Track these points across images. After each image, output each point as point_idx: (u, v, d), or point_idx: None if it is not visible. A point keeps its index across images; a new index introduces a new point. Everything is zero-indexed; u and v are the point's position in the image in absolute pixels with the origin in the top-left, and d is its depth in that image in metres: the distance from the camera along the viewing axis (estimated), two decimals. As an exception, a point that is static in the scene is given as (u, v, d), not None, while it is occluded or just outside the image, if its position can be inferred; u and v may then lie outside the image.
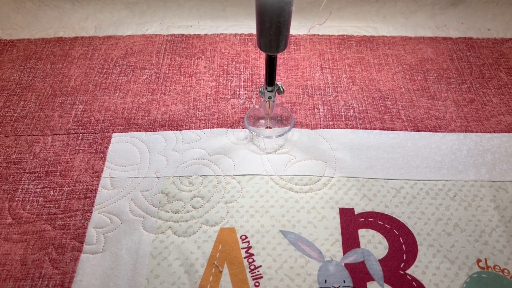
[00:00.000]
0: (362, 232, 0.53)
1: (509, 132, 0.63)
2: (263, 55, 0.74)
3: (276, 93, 0.58)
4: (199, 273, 0.49)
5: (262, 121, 0.64)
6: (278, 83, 0.57)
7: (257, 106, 0.66)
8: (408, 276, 0.49)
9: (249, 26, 0.80)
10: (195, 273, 0.49)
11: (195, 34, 0.78)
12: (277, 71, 0.71)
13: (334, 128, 0.63)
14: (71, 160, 0.59)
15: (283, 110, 0.65)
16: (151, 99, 0.67)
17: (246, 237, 0.52)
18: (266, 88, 0.57)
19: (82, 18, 0.81)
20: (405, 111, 0.66)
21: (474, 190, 0.57)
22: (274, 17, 0.43)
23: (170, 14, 0.81)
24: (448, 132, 0.63)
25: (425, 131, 0.63)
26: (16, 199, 0.55)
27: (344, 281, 0.48)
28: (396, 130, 0.63)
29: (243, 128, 0.63)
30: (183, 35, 0.78)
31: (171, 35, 0.78)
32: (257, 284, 0.48)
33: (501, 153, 0.60)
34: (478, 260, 0.50)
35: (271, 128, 0.63)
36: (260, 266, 0.50)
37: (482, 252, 0.51)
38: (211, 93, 0.68)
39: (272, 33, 0.45)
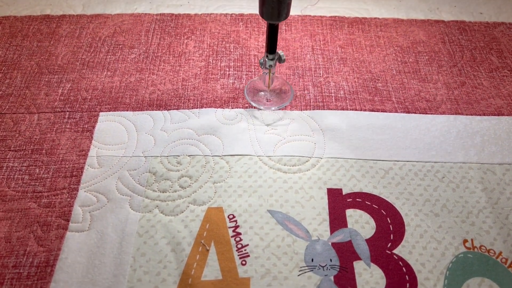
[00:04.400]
0: (349, 212, 0.53)
1: (498, 115, 0.63)
2: (254, 35, 0.73)
3: (277, 62, 0.58)
4: (186, 251, 0.49)
5: (262, 93, 0.64)
6: (279, 51, 0.57)
7: (256, 78, 0.66)
8: (394, 256, 0.49)
9: (240, 6, 0.78)
10: (181, 251, 0.49)
11: (185, 14, 0.77)
12: (267, 51, 0.71)
13: (324, 109, 0.63)
14: (57, 139, 0.58)
15: (283, 83, 0.65)
16: (139, 78, 0.66)
17: (234, 217, 0.52)
18: (267, 56, 0.56)
19: (70, -4, 0.79)
20: (395, 93, 0.65)
21: (462, 171, 0.57)
22: None
23: (160, -7, 0.80)
24: (438, 114, 0.63)
25: (415, 113, 0.63)
26: (1, 176, 0.55)
27: (330, 260, 0.48)
28: (386, 112, 0.63)
29: (232, 108, 0.62)
30: (172, 14, 0.76)
31: (160, 14, 0.76)
32: (244, 262, 0.48)
33: (490, 135, 0.60)
34: (465, 241, 0.51)
35: (270, 100, 0.63)
36: (247, 245, 0.50)
37: (469, 232, 0.51)
38: (200, 73, 0.67)
39: (276, 1, 0.46)
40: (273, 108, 0.62)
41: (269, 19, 0.49)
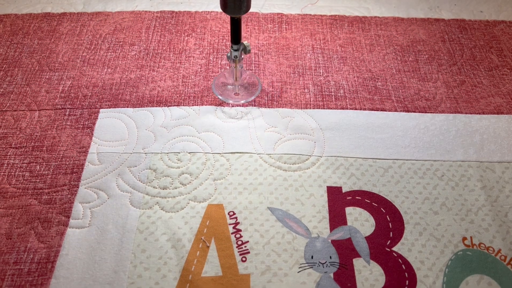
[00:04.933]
0: (349, 210, 0.53)
1: (498, 113, 0.63)
2: (254, 34, 0.73)
3: (243, 53, 0.58)
4: (186, 248, 0.49)
5: (230, 87, 0.64)
6: (244, 42, 0.57)
7: (223, 72, 0.66)
8: (394, 253, 0.49)
9: (241, 5, 0.78)
10: (182, 248, 0.49)
11: (185, 11, 0.77)
12: (268, 50, 0.71)
13: (324, 108, 0.63)
14: (58, 136, 0.59)
15: (251, 76, 0.65)
16: (139, 75, 0.66)
17: (234, 214, 0.52)
18: (231, 47, 0.57)
19: (70, -7, 0.79)
20: (395, 92, 0.66)
21: (461, 170, 0.57)
22: None
23: (160, -9, 0.80)
24: (437, 113, 0.63)
25: (414, 111, 0.63)
26: (2, 173, 0.55)
27: (330, 257, 0.49)
28: (385, 111, 0.63)
29: (233, 106, 0.63)
30: (173, 11, 0.77)
31: (161, 11, 0.77)
32: (244, 259, 0.48)
33: (489, 134, 0.60)
34: (464, 238, 0.51)
35: (238, 94, 0.63)
36: (248, 241, 0.50)
37: (468, 230, 0.51)
38: (201, 71, 0.67)
39: None
40: (242, 102, 0.62)
41: (232, 13, 0.51)
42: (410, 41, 0.73)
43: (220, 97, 0.62)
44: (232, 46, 0.57)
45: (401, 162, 0.57)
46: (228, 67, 0.66)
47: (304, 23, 0.76)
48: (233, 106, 0.62)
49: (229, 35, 0.73)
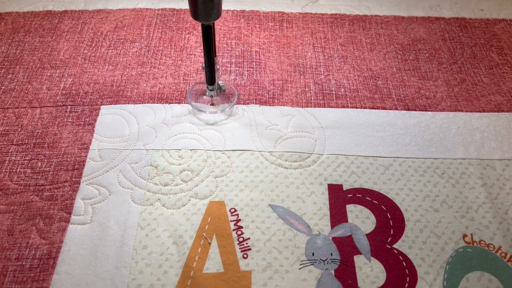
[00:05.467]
0: (350, 207, 0.53)
1: (498, 111, 0.63)
2: (255, 32, 0.73)
3: (218, 91, 0.60)
4: (188, 244, 0.49)
5: (205, 96, 0.63)
6: (220, 82, 0.58)
7: (199, 83, 0.65)
8: (394, 250, 0.50)
9: (241, 3, 0.79)
10: (183, 244, 0.49)
11: (186, 9, 0.77)
12: (269, 48, 0.71)
13: (325, 107, 0.63)
14: (59, 132, 0.59)
15: (227, 86, 0.65)
16: (140, 72, 0.66)
17: (235, 210, 0.52)
18: (207, 87, 0.58)
19: (72, -9, 0.79)
20: (395, 91, 0.66)
21: (462, 167, 0.57)
22: None
23: (161, -11, 0.80)
24: (438, 111, 0.63)
25: (415, 110, 0.63)
26: (3, 170, 0.55)
27: (331, 254, 0.49)
28: (386, 109, 0.63)
29: (235, 104, 0.63)
30: (174, 9, 0.77)
31: (162, 9, 0.77)
32: (245, 256, 0.49)
33: (490, 131, 0.61)
34: (464, 235, 0.51)
35: (214, 104, 0.62)
36: (249, 238, 0.50)
37: (468, 227, 0.52)
38: (202, 68, 0.67)
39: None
40: (219, 112, 0.61)
41: (203, 20, 0.49)
42: (411, 40, 0.74)
43: (195, 106, 0.61)
44: (207, 86, 0.58)
45: (401, 160, 0.58)
46: (203, 75, 0.66)
47: (305, 22, 0.76)
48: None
49: (230, 34, 0.73)
